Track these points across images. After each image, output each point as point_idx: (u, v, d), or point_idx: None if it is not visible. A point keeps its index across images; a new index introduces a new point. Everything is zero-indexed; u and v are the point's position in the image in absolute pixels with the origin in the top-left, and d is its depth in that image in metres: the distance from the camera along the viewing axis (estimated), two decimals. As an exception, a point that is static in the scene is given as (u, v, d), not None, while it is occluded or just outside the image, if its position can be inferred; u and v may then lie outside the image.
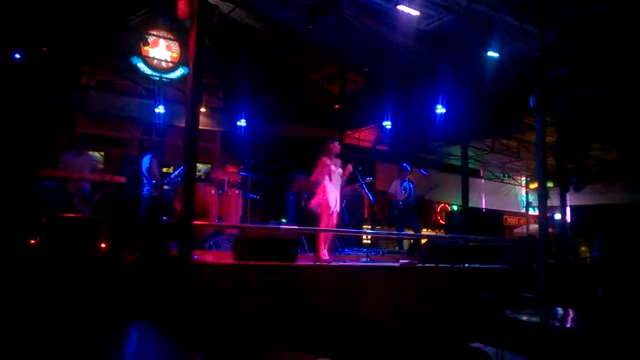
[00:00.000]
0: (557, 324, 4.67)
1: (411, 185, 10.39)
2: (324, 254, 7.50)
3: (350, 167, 7.91)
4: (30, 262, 4.91)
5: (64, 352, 2.22)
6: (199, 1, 5.81)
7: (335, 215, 7.74)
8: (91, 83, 11.78)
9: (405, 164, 10.60)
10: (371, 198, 8.80)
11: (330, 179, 7.61)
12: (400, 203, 10.20)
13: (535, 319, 4.49)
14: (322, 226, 7.59)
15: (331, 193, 7.59)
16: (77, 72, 11.53)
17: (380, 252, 10.20)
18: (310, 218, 9.08)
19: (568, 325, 4.68)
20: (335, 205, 7.64)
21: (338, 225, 8.05)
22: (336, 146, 7.81)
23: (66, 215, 6.76)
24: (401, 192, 10.27)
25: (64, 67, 10.55)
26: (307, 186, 9.41)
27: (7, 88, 4.72)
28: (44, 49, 9.38)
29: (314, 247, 7.72)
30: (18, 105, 4.80)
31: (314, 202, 7.68)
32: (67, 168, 8.29)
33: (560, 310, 5.60)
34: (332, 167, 7.64)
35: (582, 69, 9.05)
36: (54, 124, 11.01)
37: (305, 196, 9.47)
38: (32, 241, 5.36)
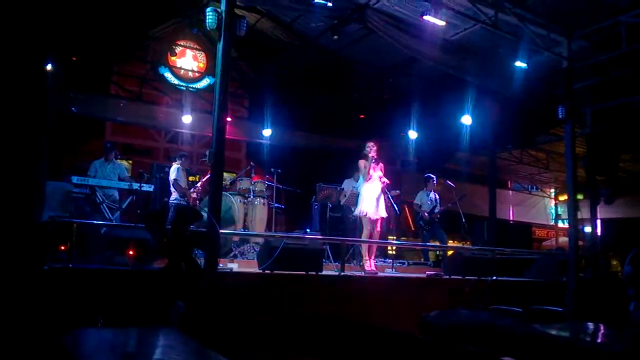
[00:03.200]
0: (587, 339, 4.55)
1: (437, 196, 10.30)
2: (370, 265, 7.38)
3: (382, 165, 7.71)
4: (58, 269, 4.99)
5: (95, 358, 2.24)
6: (226, 12, 5.88)
7: (379, 222, 7.56)
8: (120, 92, 11.99)
9: (431, 175, 10.52)
10: (396, 209, 8.74)
11: (368, 184, 7.50)
12: (426, 214, 10.11)
13: (564, 333, 4.39)
14: (364, 235, 7.46)
15: (370, 199, 7.46)
16: (107, 81, 11.75)
17: (406, 264, 10.11)
18: (336, 228, 9.05)
19: (598, 340, 4.57)
20: (377, 211, 7.47)
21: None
22: (371, 146, 7.65)
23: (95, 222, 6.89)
24: (427, 203, 10.19)
25: (94, 76, 10.76)
26: (332, 196, 9.39)
27: (37, 97, 4.82)
28: (74, 58, 9.56)
29: (338, 257, 7.66)
30: (48, 114, 4.91)
31: (357, 211, 7.61)
32: (96, 176, 8.44)
33: (590, 325, 5.46)
34: (370, 170, 7.50)
35: (611, 79, 8.90)
36: (83, 132, 11.23)
37: (330, 206, 9.45)
38: (62, 247, 5.45)
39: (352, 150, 10.60)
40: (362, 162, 7.56)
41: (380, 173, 7.59)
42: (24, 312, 4.11)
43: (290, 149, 12.92)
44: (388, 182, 7.68)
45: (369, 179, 7.47)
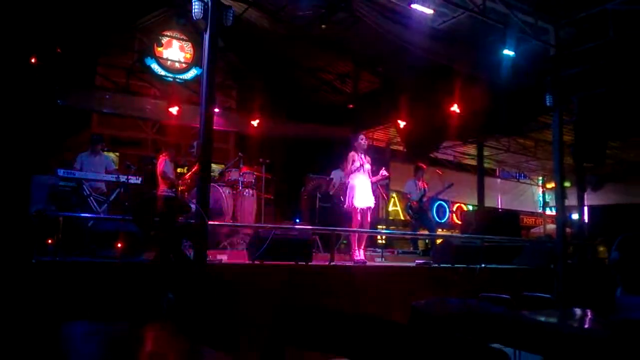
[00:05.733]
0: (575, 325, 4.60)
1: (425, 185, 10.33)
2: (357, 255, 7.39)
3: (385, 173, 7.74)
4: (46, 262, 4.94)
5: (83, 352, 2.22)
6: (212, 2, 5.82)
7: (368, 213, 7.54)
8: (106, 84, 11.88)
9: (421, 165, 10.55)
10: (386, 197, 8.76)
11: (359, 175, 7.49)
12: (415, 203, 10.14)
13: (553, 319, 4.42)
14: (354, 225, 7.48)
15: (360, 190, 7.45)
16: (92, 73, 11.63)
17: (395, 253, 10.15)
18: (325, 218, 9.04)
19: (586, 326, 4.61)
20: (366, 202, 7.45)
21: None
22: (363, 141, 7.68)
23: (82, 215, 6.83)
24: (416, 191, 10.22)
25: (79, 68, 10.64)
26: (321, 186, 9.38)
27: (22, 90, 4.76)
28: (59, 50, 9.44)
29: (328, 247, 7.66)
30: (33, 107, 4.85)
31: (345, 202, 7.60)
32: (82, 168, 8.36)
33: (578, 311, 5.52)
34: (360, 162, 7.50)
35: (599, 66, 8.93)
36: (69, 124, 11.10)
37: (319, 196, 9.44)
38: (50, 240, 5.40)
39: (341, 140, 10.60)
40: (351, 155, 7.54)
41: (368, 166, 7.59)
42: (12, 306, 4.08)
43: (279, 139, 12.88)
44: (387, 174, 7.73)
45: (359, 169, 7.45)
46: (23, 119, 4.73)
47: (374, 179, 7.65)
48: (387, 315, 5.48)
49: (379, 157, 13.57)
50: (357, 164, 7.45)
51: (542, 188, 19.19)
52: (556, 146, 8.87)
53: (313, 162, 11.21)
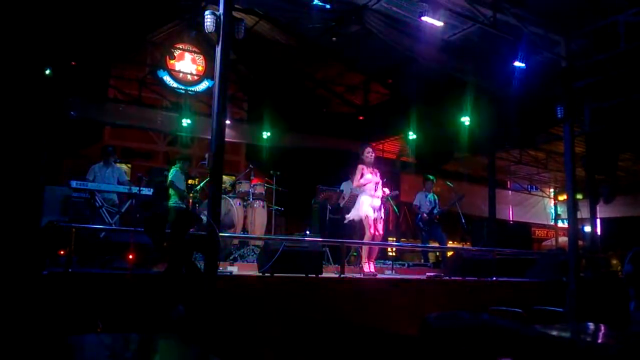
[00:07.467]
0: (588, 339, 4.54)
1: (436, 197, 10.29)
2: (368, 267, 7.34)
3: (387, 192, 7.69)
4: (58, 273, 4.97)
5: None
6: (224, 15, 5.87)
7: (378, 224, 7.48)
8: (118, 96, 12.00)
9: (430, 176, 10.51)
10: (396, 210, 8.72)
11: (367, 187, 7.47)
12: (425, 215, 10.10)
13: (565, 333, 4.38)
14: (364, 237, 7.43)
15: (368, 202, 7.43)
16: (105, 85, 11.77)
17: (406, 265, 10.09)
18: (336, 230, 9.03)
19: (599, 341, 4.55)
20: (375, 213, 7.41)
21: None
22: (370, 152, 7.65)
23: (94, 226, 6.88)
24: (426, 204, 10.18)
25: (92, 80, 10.76)
26: (332, 198, 9.37)
27: (35, 101, 4.82)
28: (73, 63, 9.56)
29: (338, 259, 7.63)
30: (46, 119, 4.91)
31: (353, 215, 7.57)
32: (95, 180, 8.43)
33: (591, 325, 5.45)
34: (369, 174, 7.48)
35: (610, 78, 8.89)
36: (82, 136, 11.22)
37: (330, 207, 9.43)
38: (62, 252, 5.44)
39: (351, 152, 10.61)
40: (360, 167, 7.53)
41: (377, 178, 7.57)
42: (23, 318, 4.10)
43: (290, 151, 12.91)
44: (388, 192, 7.70)
45: (367, 182, 7.44)
46: (36, 131, 4.79)
47: (384, 192, 7.61)
48: (397, 328, 5.45)
49: (389, 170, 13.57)
50: (369, 176, 7.44)
51: (554, 200, 19.04)
52: (568, 158, 8.81)
53: (323, 174, 11.20)
